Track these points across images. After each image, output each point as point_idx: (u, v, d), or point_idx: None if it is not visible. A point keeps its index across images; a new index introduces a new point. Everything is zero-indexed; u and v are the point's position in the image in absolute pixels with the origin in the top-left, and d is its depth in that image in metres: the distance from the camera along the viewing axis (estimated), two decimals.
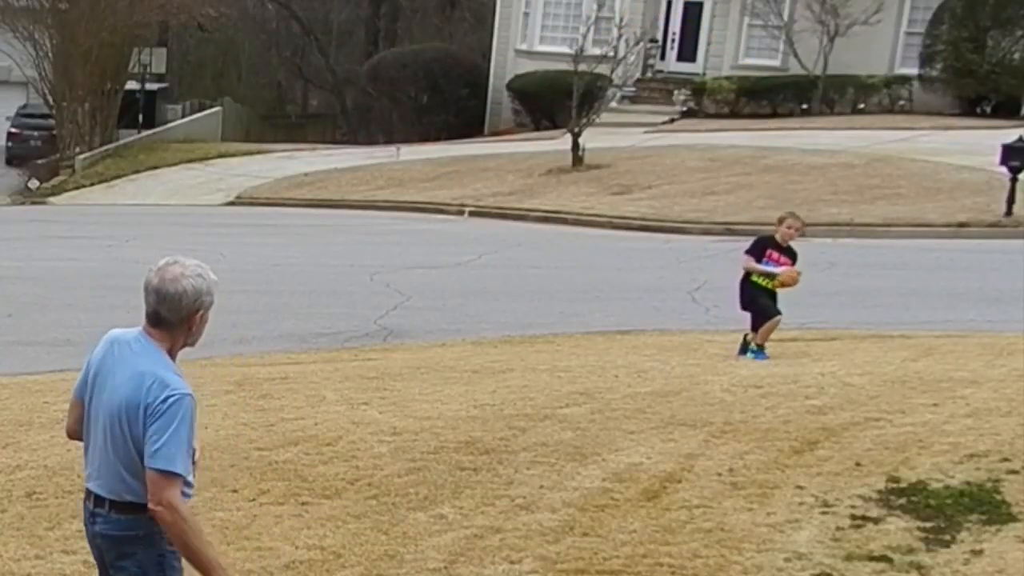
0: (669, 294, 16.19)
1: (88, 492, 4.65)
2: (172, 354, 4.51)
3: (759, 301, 11.30)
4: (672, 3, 37.42)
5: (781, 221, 11.48)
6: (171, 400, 4.34)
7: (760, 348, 11.23)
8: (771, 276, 11.23)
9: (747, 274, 11.37)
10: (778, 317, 11.26)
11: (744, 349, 11.30)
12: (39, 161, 36.80)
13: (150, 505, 4.38)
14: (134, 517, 4.49)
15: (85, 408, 4.64)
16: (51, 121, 38.61)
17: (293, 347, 13.39)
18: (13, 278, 17.62)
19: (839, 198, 23.28)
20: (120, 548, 4.56)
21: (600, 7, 34.58)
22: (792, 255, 11.33)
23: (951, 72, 33.32)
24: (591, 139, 28.73)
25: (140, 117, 40.28)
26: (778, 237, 11.35)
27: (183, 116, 44.20)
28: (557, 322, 14.49)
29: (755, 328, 11.32)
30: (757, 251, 11.40)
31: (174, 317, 4.43)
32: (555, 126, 34.30)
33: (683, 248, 20.46)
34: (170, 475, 4.34)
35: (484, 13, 43.63)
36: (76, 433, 4.76)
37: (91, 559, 4.90)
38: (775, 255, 11.29)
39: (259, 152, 36.74)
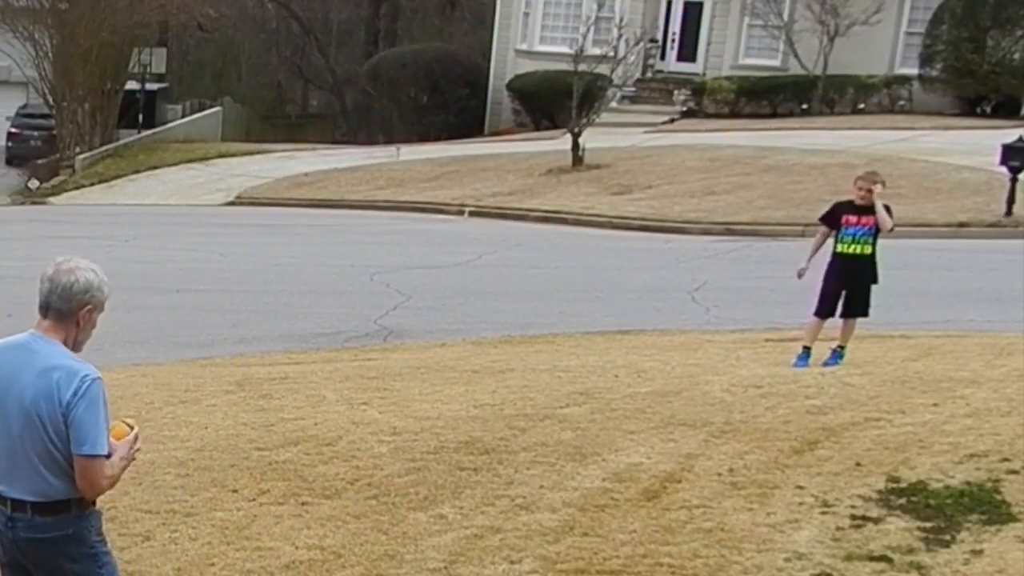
0: (669, 294, 16.18)
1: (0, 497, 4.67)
2: (65, 345, 4.60)
3: (835, 283, 10.76)
4: (672, 3, 37.42)
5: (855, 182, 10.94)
6: (85, 387, 4.49)
7: (840, 349, 10.84)
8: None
9: (833, 243, 10.84)
10: (852, 321, 10.87)
11: (835, 356, 10.80)
12: (39, 161, 36.79)
13: (88, 494, 4.56)
14: (60, 517, 4.58)
15: None
16: (51, 121, 38.59)
17: (293, 347, 13.39)
18: (13, 278, 17.60)
19: (839, 198, 23.20)
20: (52, 549, 4.61)
21: (600, 7, 34.57)
22: (875, 212, 10.72)
23: (951, 72, 33.32)
24: (591, 139, 28.72)
25: (140, 117, 40.28)
26: (855, 200, 10.81)
27: (183, 116, 44.20)
28: (557, 322, 14.48)
29: (832, 313, 10.84)
30: (832, 219, 10.86)
31: (64, 306, 4.55)
32: (555, 126, 34.29)
33: (683, 248, 20.45)
34: (100, 458, 4.53)
35: (484, 13, 43.61)
36: None
37: None
38: (853, 219, 10.76)
39: (259, 152, 36.73)
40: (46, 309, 4.59)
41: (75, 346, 4.63)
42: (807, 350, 10.89)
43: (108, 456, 4.55)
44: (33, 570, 4.68)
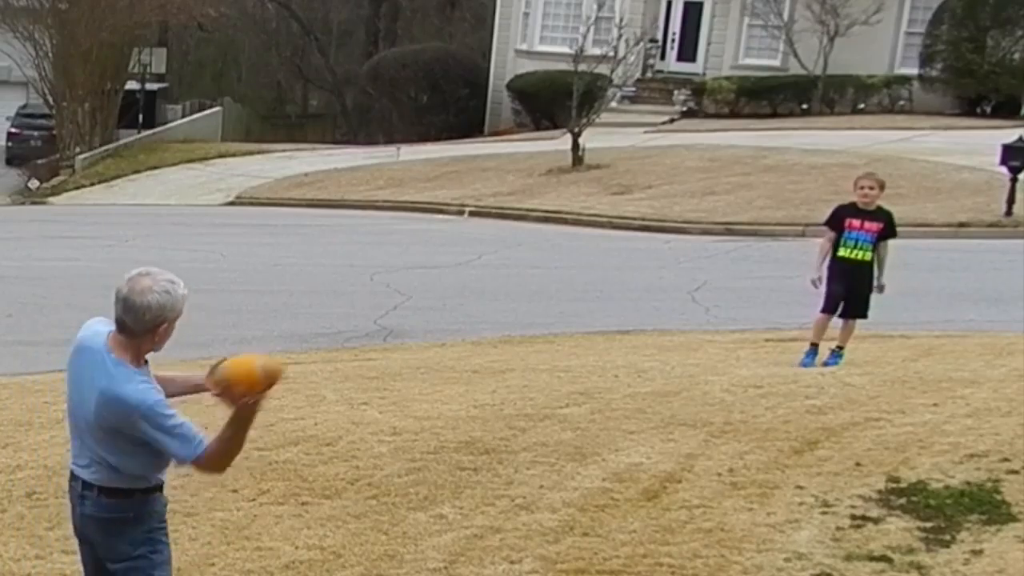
0: (669, 294, 16.18)
1: (74, 474, 4.82)
2: (137, 358, 4.65)
3: (839, 285, 10.70)
4: (672, 3, 37.44)
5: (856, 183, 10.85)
6: (149, 415, 4.52)
7: (839, 350, 10.83)
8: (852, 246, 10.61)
9: (833, 247, 10.75)
10: (852, 322, 10.85)
11: (834, 356, 10.79)
12: (39, 161, 36.81)
13: (218, 476, 4.77)
14: (123, 500, 4.72)
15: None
16: (51, 121, 38.61)
17: (293, 347, 13.38)
18: (13, 278, 17.61)
19: (839, 198, 22.95)
20: (110, 528, 4.76)
21: (600, 7, 34.58)
22: (881, 217, 10.66)
23: (951, 72, 33.33)
24: (591, 139, 28.72)
25: (140, 117, 40.31)
26: (857, 202, 10.72)
27: (183, 116, 44.24)
28: (557, 322, 14.48)
29: (837, 310, 10.81)
30: (835, 222, 10.76)
31: (138, 328, 4.60)
32: (555, 126, 34.30)
33: (683, 248, 20.46)
34: (199, 456, 4.55)
35: (484, 13, 43.63)
36: None
37: None
38: (856, 223, 10.65)
39: (259, 152, 36.74)
40: (122, 327, 4.63)
41: (154, 351, 4.69)
42: (814, 347, 10.88)
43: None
44: (94, 545, 4.85)
